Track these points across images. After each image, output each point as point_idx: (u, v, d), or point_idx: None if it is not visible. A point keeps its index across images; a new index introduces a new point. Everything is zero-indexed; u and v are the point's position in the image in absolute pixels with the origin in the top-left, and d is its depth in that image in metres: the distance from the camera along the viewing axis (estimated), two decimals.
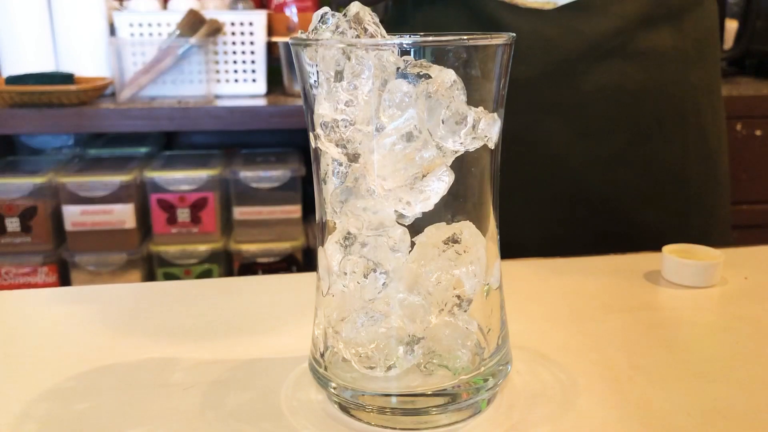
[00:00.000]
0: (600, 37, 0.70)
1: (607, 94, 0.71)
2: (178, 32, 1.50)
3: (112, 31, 1.56)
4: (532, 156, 0.73)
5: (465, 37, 0.34)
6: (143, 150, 1.68)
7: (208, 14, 1.54)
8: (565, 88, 0.71)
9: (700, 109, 0.74)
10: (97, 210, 1.49)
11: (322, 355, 0.39)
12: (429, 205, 0.35)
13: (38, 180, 1.48)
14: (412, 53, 0.33)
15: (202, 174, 1.54)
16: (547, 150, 0.73)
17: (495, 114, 0.36)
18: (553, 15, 0.70)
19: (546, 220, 0.75)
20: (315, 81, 0.35)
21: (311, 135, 0.37)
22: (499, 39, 0.35)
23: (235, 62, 1.59)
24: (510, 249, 0.69)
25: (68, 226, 1.49)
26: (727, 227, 0.79)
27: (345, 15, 0.35)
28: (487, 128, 0.35)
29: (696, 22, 0.73)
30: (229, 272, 1.59)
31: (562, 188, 0.74)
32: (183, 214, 1.53)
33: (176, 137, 1.86)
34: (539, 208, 0.75)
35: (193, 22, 1.50)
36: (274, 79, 1.67)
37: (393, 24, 0.85)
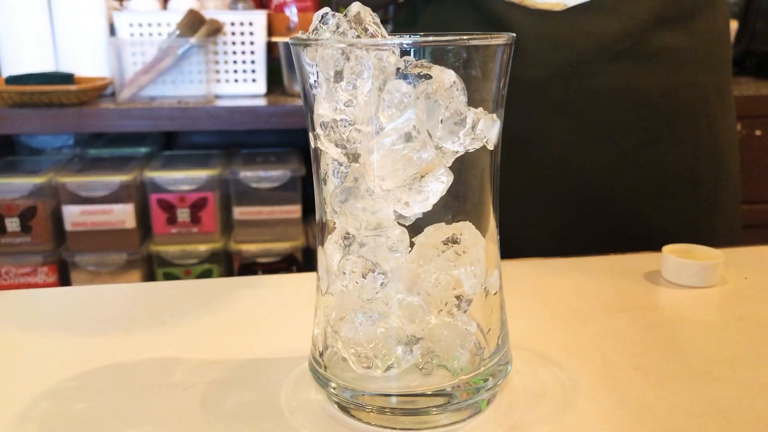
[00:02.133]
0: (610, 38, 0.69)
1: (618, 95, 0.70)
2: (178, 32, 1.50)
3: (112, 31, 1.56)
4: (541, 157, 0.73)
5: (465, 37, 0.34)
6: (143, 150, 1.68)
7: (208, 14, 1.54)
8: (575, 90, 0.71)
9: (711, 111, 0.74)
10: (97, 210, 1.49)
11: (321, 355, 0.39)
12: (428, 206, 0.34)
13: (38, 180, 1.48)
14: (412, 53, 0.33)
15: (202, 174, 1.54)
16: (556, 151, 0.72)
17: (494, 115, 0.36)
18: (563, 16, 0.70)
19: (555, 221, 0.74)
20: (315, 81, 0.35)
21: (311, 135, 0.37)
22: (499, 39, 0.35)
23: (235, 62, 1.59)
24: (517, 249, 0.69)
25: (68, 226, 1.49)
26: (738, 229, 0.79)
27: (345, 15, 0.35)
28: (486, 129, 0.35)
29: (707, 23, 0.72)
30: (229, 272, 1.59)
31: (570, 190, 0.73)
32: (183, 214, 1.53)
33: (176, 137, 1.86)
34: (548, 209, 0.74)
35: (193, 22, 1.50)
36: (274, 79, 1.67)
37: (403, 25, 0.85)
